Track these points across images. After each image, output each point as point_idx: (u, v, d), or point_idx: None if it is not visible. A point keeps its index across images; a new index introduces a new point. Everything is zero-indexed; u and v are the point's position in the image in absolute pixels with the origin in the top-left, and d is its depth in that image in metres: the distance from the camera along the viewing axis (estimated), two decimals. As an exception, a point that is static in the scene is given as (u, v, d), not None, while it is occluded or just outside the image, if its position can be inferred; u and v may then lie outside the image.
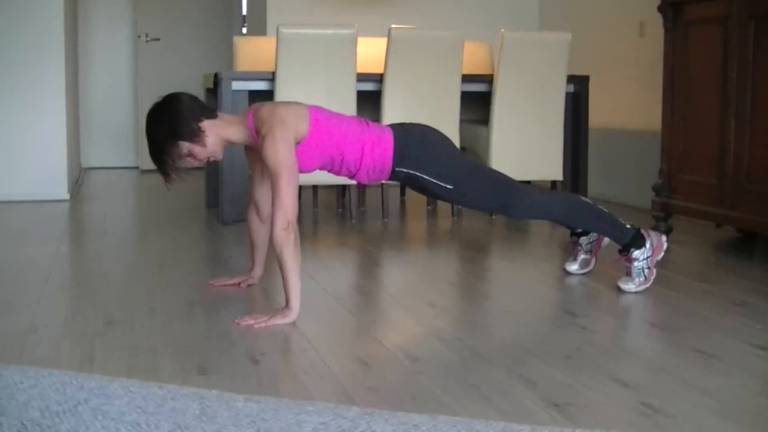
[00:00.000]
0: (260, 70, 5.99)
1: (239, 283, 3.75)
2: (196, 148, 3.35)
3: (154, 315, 3.26)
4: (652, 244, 3.72)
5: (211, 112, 3.41)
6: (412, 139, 3.53)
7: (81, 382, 1.81)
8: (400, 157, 3.50)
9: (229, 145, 3.48)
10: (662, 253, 3.78)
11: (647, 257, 3.71)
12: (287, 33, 5.22)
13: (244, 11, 9.27)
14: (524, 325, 3.20)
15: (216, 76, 5.53)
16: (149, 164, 9.00)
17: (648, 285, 3.71)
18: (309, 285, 3.73)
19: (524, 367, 2.68)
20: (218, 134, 3.39)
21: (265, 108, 3.38)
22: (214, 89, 5.81)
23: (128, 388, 1.87)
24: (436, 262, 4.34)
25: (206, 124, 3.36)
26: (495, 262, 4.41)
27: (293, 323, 3.14)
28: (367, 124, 3.53)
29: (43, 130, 6.53)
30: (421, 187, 3.61)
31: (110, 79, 9.42)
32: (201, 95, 9.03)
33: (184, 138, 3.32)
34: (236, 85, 5.38)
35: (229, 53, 9.17)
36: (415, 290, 3.77)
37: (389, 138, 3.50)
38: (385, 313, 3.38)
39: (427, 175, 3.53)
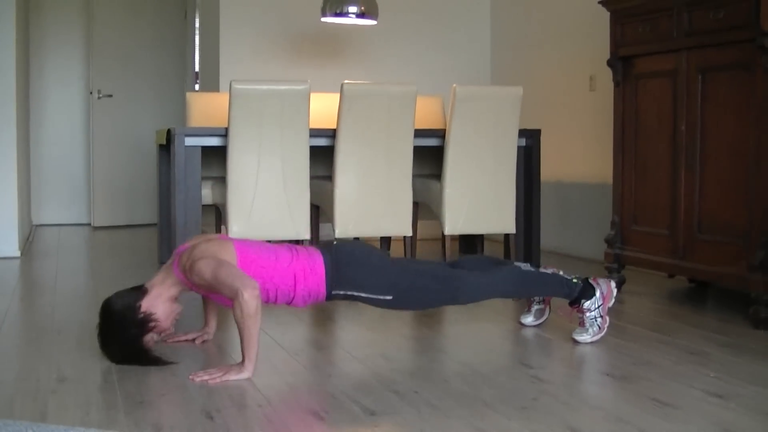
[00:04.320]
0: (213, 126, 5.98)
1: (194, 339, 3.72)
2: (157, 329, 3.35)
3: (108, 371, 3.22)
4: (602, 293, 3.75)
5: (142, 292, 3.37)
6: (342, 260, 3.51)
7: (37, 430, 1.78)
8: (333, 280, 3.48)
9: (177, 299, 3.44)
10: (613, 300, 3.80)
11: (599, 306, 3.72)
12: (240, 89, 5.23)
13: (197, 67, 9.28)
14: (480, 377, 3.19)
15: (169, 132, 5.51)
16: (102, 221, 8.94)
17: (603, 334, 3.73)
18: (263, 340, 3.70)
19: (481, 418, 2.68)
20: (161, 303, 3.37)
21: (187, 248, 3.41)
22: (167, 145, 5.79)
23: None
24: (391, 315, 4.33)
25: (146, 305, 3.33)
26: (450, 315, 4.41)
27: (248, 379, 3.11)
28: (296, 251, 3.52)
29: (-7, 187, 6.47)
30: (362, 303, 3.60)
31: (63, 136, 9.35)
32: (154, 152, 9.02)
33: (143, 334, 3.31)
34: (189, 141, 5.37)
35: (182, 109, 9.17)
36: (370, 344, 3.76)
37: (320, 263, 3.48)
38: (340, 367, 3.36)
39: (363, 293, 3.51)
